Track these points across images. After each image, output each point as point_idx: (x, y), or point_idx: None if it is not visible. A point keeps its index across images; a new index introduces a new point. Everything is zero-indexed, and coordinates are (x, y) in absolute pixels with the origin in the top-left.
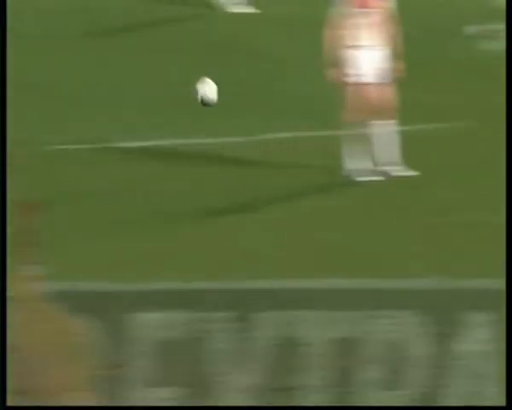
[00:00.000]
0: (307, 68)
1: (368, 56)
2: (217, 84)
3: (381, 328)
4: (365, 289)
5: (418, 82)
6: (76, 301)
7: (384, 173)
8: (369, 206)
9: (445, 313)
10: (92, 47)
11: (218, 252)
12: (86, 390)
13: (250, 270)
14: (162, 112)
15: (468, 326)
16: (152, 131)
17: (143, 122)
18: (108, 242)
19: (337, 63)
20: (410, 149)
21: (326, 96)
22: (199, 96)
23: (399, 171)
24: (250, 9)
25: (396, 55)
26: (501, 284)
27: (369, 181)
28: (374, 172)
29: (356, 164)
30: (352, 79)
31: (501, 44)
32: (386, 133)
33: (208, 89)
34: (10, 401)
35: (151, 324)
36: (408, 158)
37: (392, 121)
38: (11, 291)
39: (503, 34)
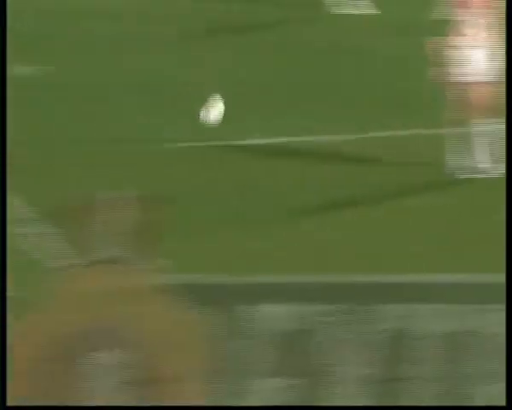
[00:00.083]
0: (412, 67)
1: (472, 56)
2: (322, 84)
3: (493, 321)
4: (478, 284)
5: None
6: (196, 294)
7: (487, 171)
8: (473, 203)
9: None
10: (199, 48)
11: (328, 246)
12: (203, 380)
13: (360, 264)
14: (270, 111)
15: None
16: (263, 129)
17: (254, 121)
18: (225, 237)
19: (442, 62)
20: None
21: (431, 94)
22: (206, 113)
23: (502, 169)
24: (354, 11)
25: (497, 55)
26: None
27: (473, 178)
28: (477, 170)
29: (459, 162)
30: (456, 79)
31: None
32: (489, 131)
33: (215, 110)
34: (142, 392)
35: (267, 316)
36: None
37: (495, 120)
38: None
39: None
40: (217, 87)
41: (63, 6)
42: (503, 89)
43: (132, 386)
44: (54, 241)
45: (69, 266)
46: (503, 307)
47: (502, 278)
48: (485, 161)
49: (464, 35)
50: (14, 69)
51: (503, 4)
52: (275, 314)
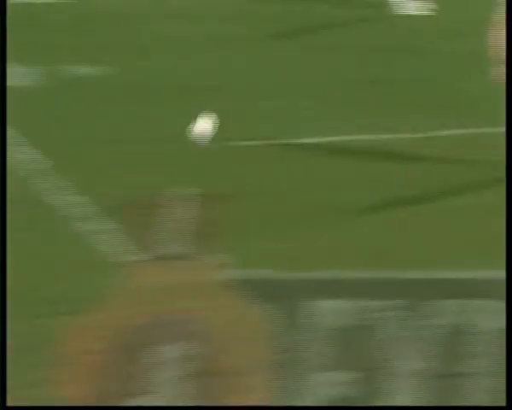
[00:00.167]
0: (474, 66)
1: None
2: (382, 83)
3: None
4: None
5: None
6: (257, 289)
7: None
8: None
9: None
10: (271, 48)
11: (385, 244)
12: (264, 373)
13: (418, 260)
14: (336, 109)
15: None
16: (326, 127)
17: (318, 119)
18: (284, 233)
19: (502, 62)
20: None
21: (490, 94)
22: (196, 130)
23: None
24: (415, 11)
25: None
26: None
27: None
28: None
29: None
30: None
31: None
32: None
33: (203, 126)
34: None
35: (325, 311)
36: None
37: None
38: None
39: None
40: (282, 86)
41: (130, 8)
42: None
43: (194, 379)
44: (117, 237)
45: (132, 261)
46: None
47: None
48: None
49: None
50: (78, 70)
51: None
52: (334, 310)
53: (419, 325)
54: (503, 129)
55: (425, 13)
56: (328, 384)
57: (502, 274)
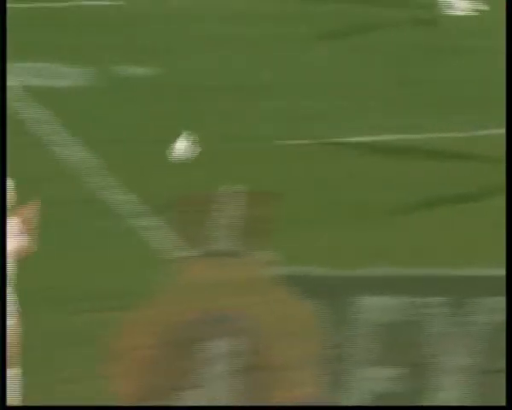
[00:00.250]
0: None
1: None
2: (432, 82)
3: None
4: None
5: None
6: (303, 285)
7: None
8: None
9: None
10: (321, 48)
11: (431, 240)
12: (312, 369)
13: (462, 258)
14: (380, 109)
15: None
16: (370, 127)
17: (363, 118)
18: (332, 230)
19: None
20: None
21: None
22: (178, 149)
23: None
24: (465, 11)
25: None
26: None
27: None
28: None
29: None
30: None
31: None
32: None
33: (183, 146)
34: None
35: (372, 307)
36: None
37: None
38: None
39: None
40: (329, 86)
41: (175, 10)
42: None
43: (243, 374)
44: (167, 234)
45: (182, 258)
46: None
47: None
48: None
49: None
50: (128, 70)
51: None
52: (381, 306)
53: (464, 321)
54: None
55: (473, 13)
56: (374, 380)
57: None
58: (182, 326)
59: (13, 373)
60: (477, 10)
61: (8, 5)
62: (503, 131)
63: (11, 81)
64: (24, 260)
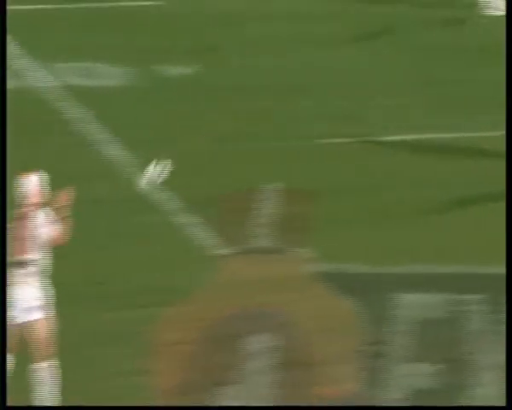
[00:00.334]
0: None
1: None
2: (466, 82)
3: None
4: None
5: None
6: (341, 282)
7: None
8: None
9: None
10: (357, 48)
11: (469, 238)
12: (351, 365)
13: (500, 255)
14: (419, 108)
15: None
16: (409, 126)
17: (401, 118)
18: (370, 228)
19: None
20: None
21: None
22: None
23: None
24: (500, 11)
25: None
26: None
27: None
28: None
29: None
30: None
31: None
32: None
33: (155, 173)
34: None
35: (410, 304)
36: None
37: None
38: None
39: None
40: (366, 86)
41: (214, 10)
42: None
43: (282, 370)
44: (208, 231)
45: (222, 255)
46: None
47: None
48: None
49: None
50: (169, 70)
51: None
52: (419, 303)
53: (501, 319)
54: None
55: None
56: (412, 376)
57: None
58: (221, 322)
59: (48, 365)
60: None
61: (51, 6)
62: None
63: (54, 81)
64: (57, 248)
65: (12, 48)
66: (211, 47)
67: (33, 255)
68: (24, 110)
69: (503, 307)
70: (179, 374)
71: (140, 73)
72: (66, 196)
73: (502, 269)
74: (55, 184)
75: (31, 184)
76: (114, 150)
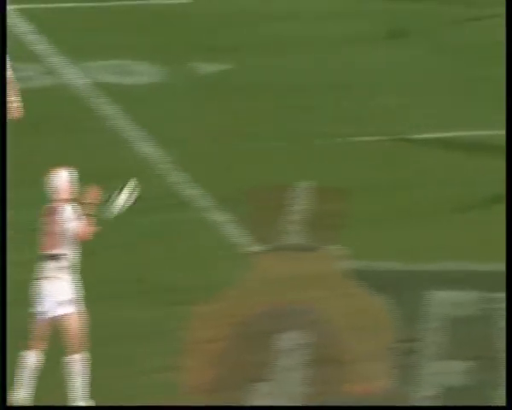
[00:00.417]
0: None
1: None
2: (496, 79)
3: None
4: None
5: None
6: (373, 280)
7: None
8: None
9: None
10: (387, 46)
11: (504, 236)
12: (382, 362)
13: None
14: (450, 106)
15: None
16: (440, 123)
17: (432, 115)
18: (403, 225)
19: None
20: None
21: None
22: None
23: None
24: None
25: None
26: None
27: None
28: None
29: None
30: None
31: None
32: None
33: (122, 198)
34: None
35: (443, 302)
36: None
37: None
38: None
39: None
40: (396, 84)
41: (242, 8)
42: None
43: (313, 367)
44: (239, 229)
45: (254, 252)
46: None
47: None
48: None
49: None
50: (201, 67)
51: None
52: (452, 300)
53: None
54: None
55: None
56: (444, 373)
57: None
58: (253, 320)
59: (80, 358)
60: None
61: (83, 4)
62: None
63: (87, 79)
64: (91, 245)
65: (45, 46)
66: (242, 45)
67: (64, 250)
68: (57, 108)
69: None
70: (211, 371)
71: (172, 70)
72: (93, 194)
73: None
74: (88, 181)
75: (61, 180)
76: (147, 148)
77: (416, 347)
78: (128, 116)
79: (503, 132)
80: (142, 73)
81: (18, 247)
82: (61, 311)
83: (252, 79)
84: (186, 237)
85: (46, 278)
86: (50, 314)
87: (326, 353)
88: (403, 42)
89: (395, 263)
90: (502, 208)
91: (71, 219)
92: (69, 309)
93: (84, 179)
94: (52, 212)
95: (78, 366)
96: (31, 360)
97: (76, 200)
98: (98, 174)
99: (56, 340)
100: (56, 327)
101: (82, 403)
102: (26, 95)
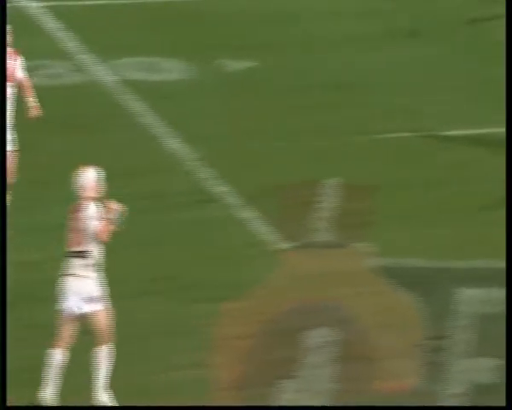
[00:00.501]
0: None
1: None
2: None
3: None
4: None
5: None
6: (401, 277)
7: None
8: None
9: None
10: (409, 45)
11: None
12: (411, 359)
13: None
14: (478, 103)
15: None
16: (473, 120)
17: (460, 113)
18: (431, 223)
19: None
20: None
21: None
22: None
23: None
24: None
25: None
26: None
27: None
28: None
29: None
30: None
31: None
32: None
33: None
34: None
35: (472, 299)
36: None
37: None
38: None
39: None
40: (421, 82)
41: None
42: None
43: (341, 364)
44: (267, 226)
45: (282, 249)
46: None
47: None
48: None
49: None
50: (230, 64)
51: None
52: (481, 298)
53: None
54: None
55: None
56: (473, 371)
57: None
58: (281, 316)
59: (106, 350)
60: None
61: (112, 2)
62: None
63: (115, 76)
64: (120, 242)
65: (74, 44)
66: (270, 43)
67: (90, 247)
68: (86, 105)
69: None
70: (239, 368)
71: (200, 67)
72: (116, 208)
73: None
74: (116, 177)
75: (88, 178)
76: (175, 144)
77: (445, 344)
78: (156, 113)
79: None
80: (171, 70)
81: (43, 245)
82: (88, 308)
83: (279, 77)
84: (214, 234)
85: (72, 275)
86: (77, 312)
87: (354, 350)
88: (428, 39)
89: (423, 260)
90: None
91: (93, 218)
92: (97, 306)
93: (113, 176)
94: (78, 209)
95: (103, 357)
96: (57, 357)
97: (101, 199)
98: (126, 171)
99: (81, 338)
100: (82, 325)
101: (103, 394)
102: (55, 92)
